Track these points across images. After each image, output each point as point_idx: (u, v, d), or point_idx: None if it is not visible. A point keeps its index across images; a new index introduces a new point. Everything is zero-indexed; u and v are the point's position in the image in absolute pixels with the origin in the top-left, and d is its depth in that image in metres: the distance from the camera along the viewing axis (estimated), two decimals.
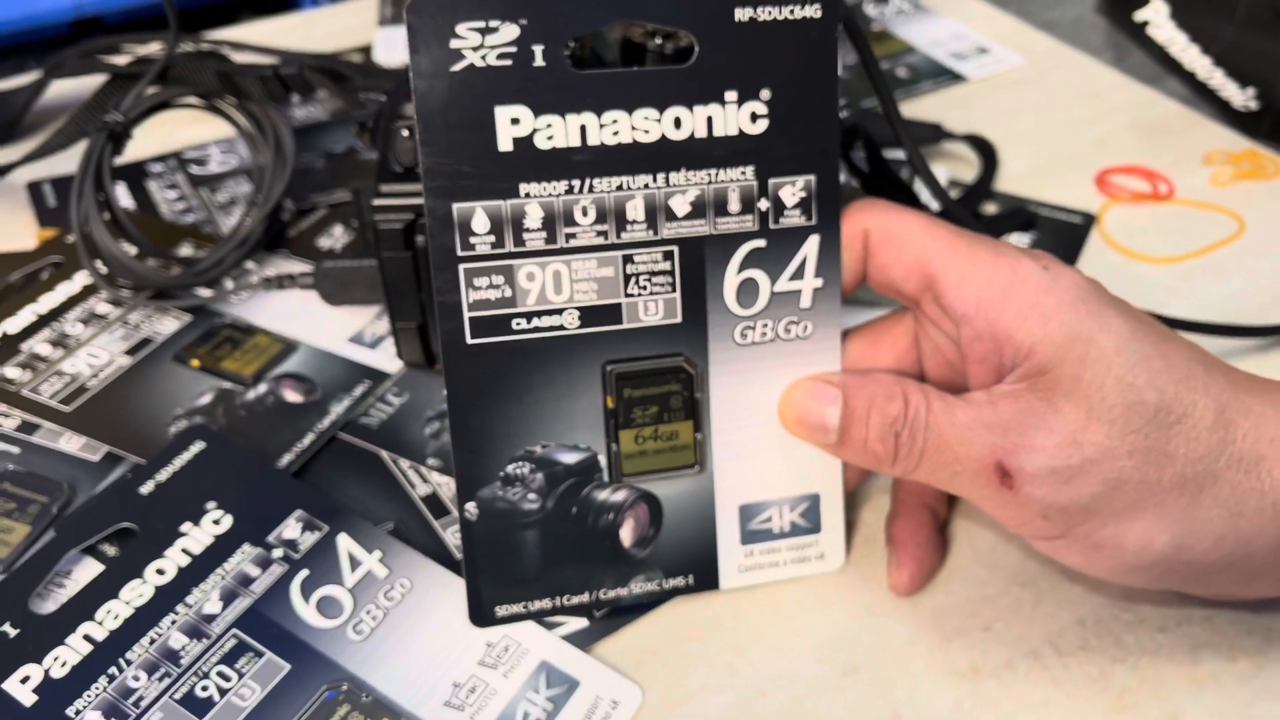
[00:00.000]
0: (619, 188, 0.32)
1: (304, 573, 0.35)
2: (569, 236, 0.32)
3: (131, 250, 0.48)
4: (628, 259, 0.32)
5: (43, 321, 0.46)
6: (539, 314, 0.32)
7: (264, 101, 0.46)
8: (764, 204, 0.33)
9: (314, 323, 0.46)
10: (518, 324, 0.32)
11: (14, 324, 0.45)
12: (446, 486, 0.40)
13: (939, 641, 0.35)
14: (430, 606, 0.34)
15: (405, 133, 0.39)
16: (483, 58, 0.30)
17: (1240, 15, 0.62)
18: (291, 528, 0.36)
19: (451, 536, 0.38)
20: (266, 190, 0.48)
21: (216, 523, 0.36)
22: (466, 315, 0.32)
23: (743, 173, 0.32)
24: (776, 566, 0.36)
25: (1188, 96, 0.63)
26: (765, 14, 0.31)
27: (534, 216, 0.31)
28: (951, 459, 0.30)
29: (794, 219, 0.33)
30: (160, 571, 0.35)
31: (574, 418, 0.33)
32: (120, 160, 0.56)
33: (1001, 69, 0.65)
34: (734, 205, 0.32)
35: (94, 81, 0.51)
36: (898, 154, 0.54)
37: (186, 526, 0.36)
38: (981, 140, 0.56)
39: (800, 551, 0.36)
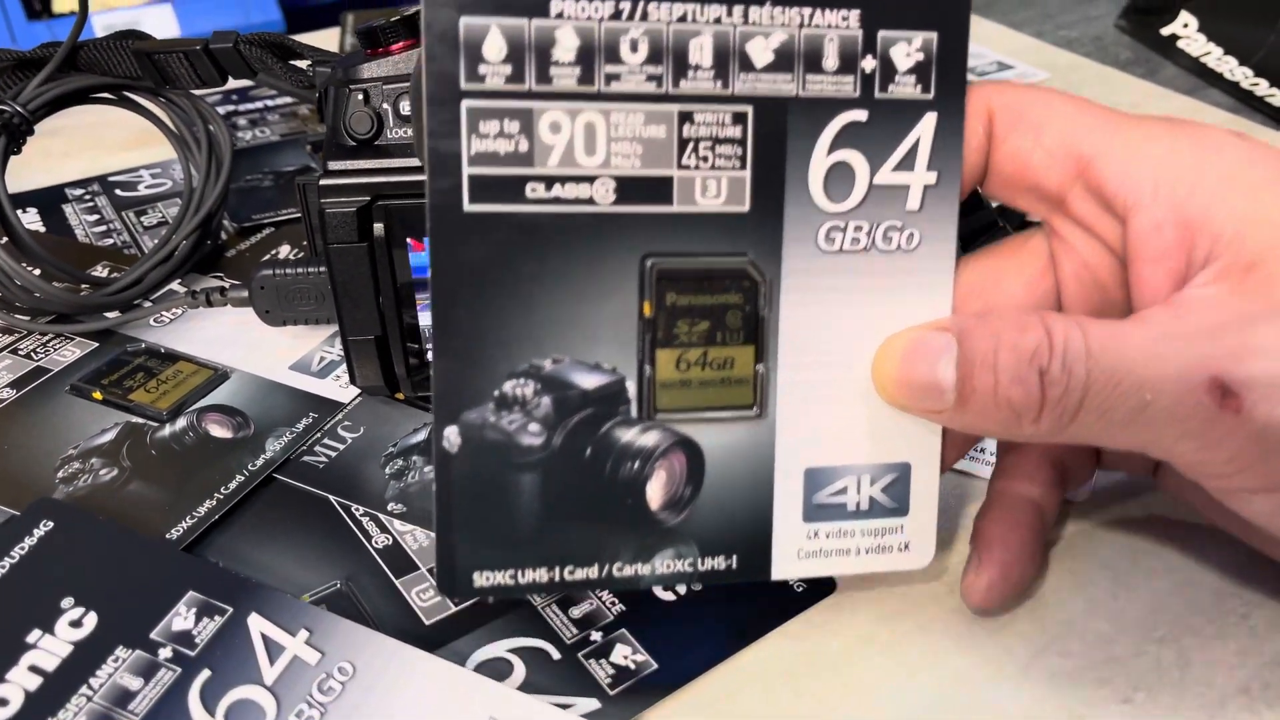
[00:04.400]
0: (682, 19, 0.24)
1: (204, 674, 0.26)
2: (610, 78, 0.24)
3: (34, 271, 0.40)
4: (685, 117, 0.24)
5: None
6: (563, 180, 0.24)
7: (192, 85, 0.39)
8: (869, 63, 0.25)
9: (250, 348, 0.38)
10: (533, 190, 0.24)
11: None
12: (411, 536, 0.31)
13: None
14: (384, 695, 0.26)
15: (360, 97, 0.32)
16: None
17: None
18: (183, 616, 0.27)
19: (418, 598, 0.29)
20: (197, 199, 0.41)
21: (76, 624, 0.27)
22: (466, 171, 0.23)
23: (844, 18, 0.24)
24: (847, 555, 0.27)
25: (1233, 106, 0.57)
26: None
27: (566, 45, 0.23)
28: (1134, 387, 0.22)
29: (906, 88, 0.25)
30: (2, 702, 0.25)
31: (598, 326, 0.25)
32: (34, 184, 0.49)
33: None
34: (830, 61, 0.25)
35: None
36: None
37: (35, 635, 0.27)
38: None
39: (879, 538, 0.27)
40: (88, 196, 0.49)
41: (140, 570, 0.29)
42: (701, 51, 0.24)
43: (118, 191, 0.49)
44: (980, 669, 0.28)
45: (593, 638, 0.28)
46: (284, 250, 0.44)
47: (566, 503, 0.26)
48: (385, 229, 0.32)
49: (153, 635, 0.27)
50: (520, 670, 0.27)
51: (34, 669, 0.26)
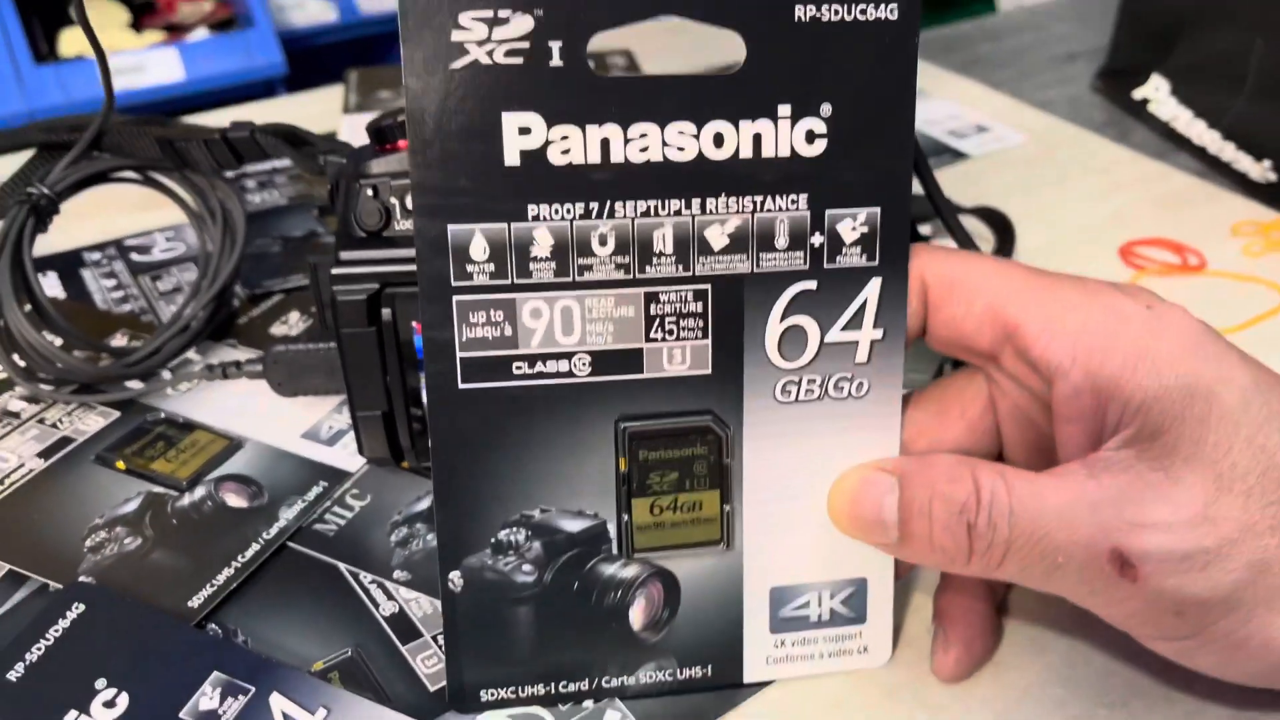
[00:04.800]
0: (645, 213, 0.27)
1: None
2: (583, 269, 0.27)
3: (56, 341, 0.42)
4: (651, 298, 0.27)
5: None
6: (544, 358, 0.27)
7: (210, 171, 0.42)
8: (817, 239, 0.28)
9: (263, 418, 0.40)
10: (518, 368, 0.27)
11: None
12: (416, 604, 0.33)
13: None
14: None
15: (370, 192, 0.34)
16: (489, 54, 0.25)
17: (1250, 87, 0.59)
18: (209, 696, 0.29)
19: (422, 665, 0.31)
20: (213, 272, 0.43)
21: (110, 705, 0.29)
22: (459, 356, 0.27)
23: (794, 201, 0.27)
24: (811, 659, 0.31)
25: (1201, 170, 0.60)
26: (831, 13, 0.26)
27: (543, 243, 0.27)
28: (1049, 549, 0.25)
29: (852, 258, 0.28)
30: None
31: (580, 480, 0.28)
32: (52, 248, 0.51)
33: (1003, 146, 0.62)
34: (781, 240, 0.28)
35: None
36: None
37: (71, 716, 0.29)
38: (995, 213, 0.52)
39: (840, 643, 0.31)
40: (105, 261, 0.51)
41: (167, 650, 0.31)
42: (664, 240, 0.27)
43: (133, 255, 0.51)
44: None
45: (584, 704, 0.30)
46: (293, 317, 0.46)
47: (558, 629, 0.29)
48: (392, 315, 0.34)
49: (181, 715, 0.29)
50: None
51: None
